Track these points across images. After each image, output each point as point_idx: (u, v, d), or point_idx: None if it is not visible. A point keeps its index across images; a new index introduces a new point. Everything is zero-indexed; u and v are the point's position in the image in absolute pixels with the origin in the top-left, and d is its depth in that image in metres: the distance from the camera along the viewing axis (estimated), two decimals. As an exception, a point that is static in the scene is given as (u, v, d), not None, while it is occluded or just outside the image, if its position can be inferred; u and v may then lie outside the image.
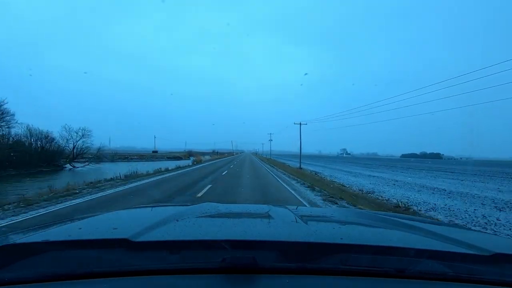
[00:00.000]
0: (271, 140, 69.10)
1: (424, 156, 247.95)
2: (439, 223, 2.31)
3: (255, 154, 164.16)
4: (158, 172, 17.83)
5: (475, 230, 2.94)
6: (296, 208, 1.70)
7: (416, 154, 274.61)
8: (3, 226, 5.21)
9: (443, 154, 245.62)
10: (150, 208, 1.85)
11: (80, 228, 1.13)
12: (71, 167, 34.41)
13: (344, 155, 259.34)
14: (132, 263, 0.80)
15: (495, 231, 7.12)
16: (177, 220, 1.17)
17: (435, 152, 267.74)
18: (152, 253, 0.85)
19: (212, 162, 38.44)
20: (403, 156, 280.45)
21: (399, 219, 1.56)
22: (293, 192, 10.97)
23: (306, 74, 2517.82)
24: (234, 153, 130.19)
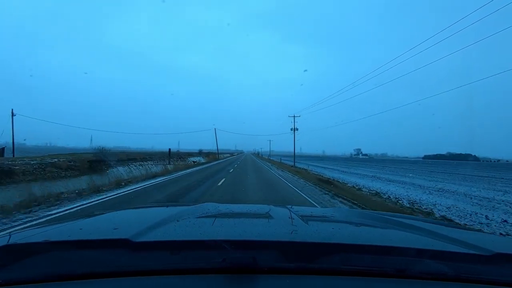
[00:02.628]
0: (296, 128, 36.21)
1: (453, 157, 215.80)
2: (439, 223, 2.27)
3: (257, 154, 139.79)
4: None
5: (475, 230, 2.85)
6: (297, 208, 1.68)
7: (442, 155, 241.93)
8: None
9: (474, 155, 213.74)
10: (151, 208, 1.90)
11: (81, 229, 1.12)
12: None
13: (360, 156, 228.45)
14: (133, 263, 0.80)
15: None
16: (178, 220, 1.17)
17: (458, 152, 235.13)
18: (152, 253, 0.86)
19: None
20: (426, 157, 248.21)
21: (400, 219, 1.55)
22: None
23: (305, 70, 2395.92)
24: (220, 156, 60.87)
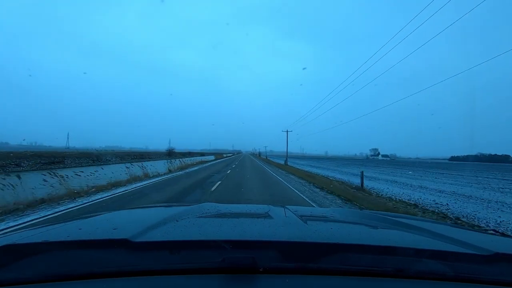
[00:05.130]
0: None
1: (489, 159, 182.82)
2: (439, 222, 2.16)
3: (258, 155, 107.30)
4: None
5: (475, 230, 2.73)
6: (296, 208, 1.67)
7: (473, 156, 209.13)
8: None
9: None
10: (150, 208, 1.85)
11: (80, 229, 1.13)
12: None
13: (380, 157, 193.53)
14: (132, 263, 0.80)
15: None
16: (177, 220, 1.18)
17: (491, 153, 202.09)
18: (152, 253, 0.86)
19: None
20: (454, 158, 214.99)
21: (399, 219, 1.55)
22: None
23: (304, 68, 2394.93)
24: (194, 162, 29.22)
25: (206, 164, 31.06)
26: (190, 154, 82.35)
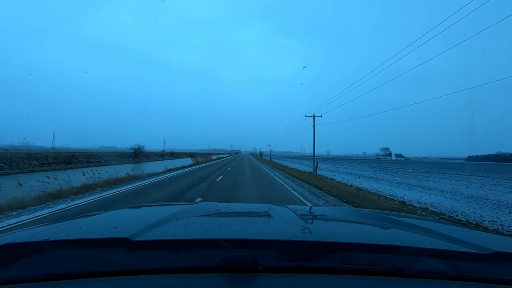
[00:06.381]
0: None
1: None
2: (439, 221, 2.18)
3: (259, 156, 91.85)
4: None
5: (475, 229, 2.81)
6: (296, 208, 1.67)
7: (494, 155, 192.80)
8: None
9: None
10: (150, 207, 1.83)
11: (80, 228, 1.13)
12: None
13: (393, 158, 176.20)
14: (132, 262, 0.80)
15: None
16: (177, 219, 1.18)
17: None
18: (152, 252, 0.86)
19: None
20: (471, 158, 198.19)
21: (399, 218, 1.55)
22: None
23: (304, 67, 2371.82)
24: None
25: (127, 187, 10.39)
26: (172, 154, 63.94)
